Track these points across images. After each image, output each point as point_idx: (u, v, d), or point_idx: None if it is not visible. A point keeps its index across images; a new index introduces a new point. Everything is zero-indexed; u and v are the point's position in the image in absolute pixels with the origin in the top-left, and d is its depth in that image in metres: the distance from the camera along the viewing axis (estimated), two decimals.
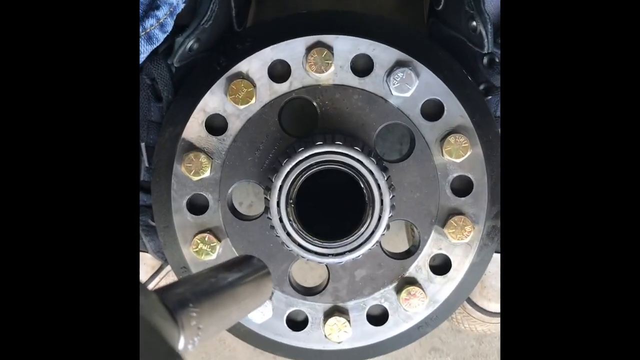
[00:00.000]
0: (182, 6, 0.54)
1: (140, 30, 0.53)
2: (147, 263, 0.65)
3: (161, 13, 0.53)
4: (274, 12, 0.79)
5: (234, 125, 0.56)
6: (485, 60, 0.62)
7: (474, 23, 0.58)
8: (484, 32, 0.57)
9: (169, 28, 0.55)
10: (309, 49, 0.55)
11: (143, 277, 0.65)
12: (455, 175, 0.56)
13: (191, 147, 0.56)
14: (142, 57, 0.56)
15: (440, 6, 0.64)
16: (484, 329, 0.66)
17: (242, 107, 0.55)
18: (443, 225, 0.56)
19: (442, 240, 0.57)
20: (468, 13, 0.59)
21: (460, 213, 0.56)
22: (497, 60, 0.61)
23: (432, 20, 0.68)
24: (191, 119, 0.56)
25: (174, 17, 0.54)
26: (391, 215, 0.52)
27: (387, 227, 0.52)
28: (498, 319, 0.65)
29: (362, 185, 0.51)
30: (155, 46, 0.56)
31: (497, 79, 0.62)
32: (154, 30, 0.55)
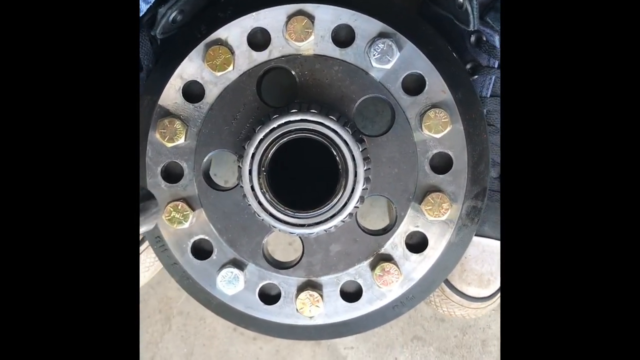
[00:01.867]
0: None
1: None
2: None
3: None
4: None
5: (212, 93, 0.55)
6: (472, 38, 0.61)
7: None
8: (469, 8, 0.56)
9: None
10: (289, 18, 0.54)
11: None
12: (434, 151, 0.55)
13: (167, 114, 0.55)
14: None
15: None
16: (462, 313, 0.64)
17: (219, 74, 0.54)
18: (420, 202, 0.55)
19: (419, 218, 0.56)
20: None
21: (438, 190, 0.55)
22: (484, 38, 0.60)
23: (423, 0, 0.67)
24: (168, 85, 0.55)
25: None
26: (365, 188, 0.51)
27: (361, 199, 0.51)
28: (477, 304, 0.64)
29: (336, 155, 0.50)
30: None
31: (484, 58, 0.61)
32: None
